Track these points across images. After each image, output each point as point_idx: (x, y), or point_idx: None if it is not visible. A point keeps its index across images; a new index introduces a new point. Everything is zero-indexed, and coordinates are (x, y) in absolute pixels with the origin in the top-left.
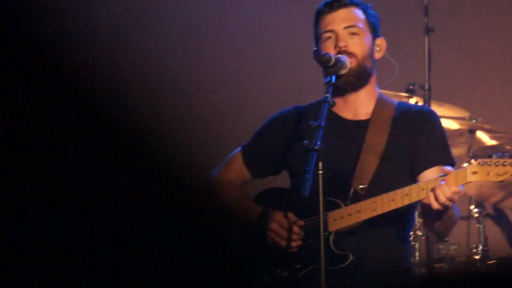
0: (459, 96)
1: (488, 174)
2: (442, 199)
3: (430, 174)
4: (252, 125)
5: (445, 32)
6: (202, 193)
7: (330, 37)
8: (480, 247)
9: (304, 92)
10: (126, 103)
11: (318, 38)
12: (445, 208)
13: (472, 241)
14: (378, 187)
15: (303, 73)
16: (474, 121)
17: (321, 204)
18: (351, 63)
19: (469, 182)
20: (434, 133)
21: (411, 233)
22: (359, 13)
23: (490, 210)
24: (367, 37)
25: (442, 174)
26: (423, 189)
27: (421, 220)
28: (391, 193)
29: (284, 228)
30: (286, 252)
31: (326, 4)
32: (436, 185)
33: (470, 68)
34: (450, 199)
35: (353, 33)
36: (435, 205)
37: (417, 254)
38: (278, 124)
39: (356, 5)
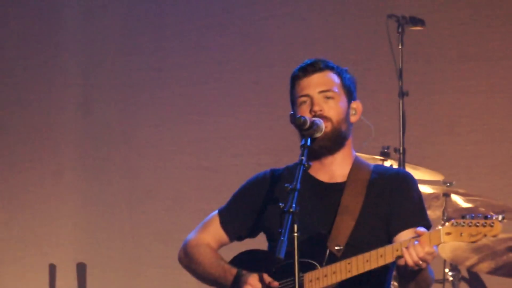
0: (433, 160)
1: (461, 235)
2: (415, 258)
3: (405, 236)
4: (230, 188)
5: (419, 96)
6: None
7: (305, 102)
8: None
9: (281, 153)
10: None
11: (293, 102)
12: (419, 269)
13: None
14: (353, 248)
15: (281, 134)
16: (448, 184)
17: (296, 266)
18: (326, 127)
19: (443, 242)
20: (410, 195)
21: None
22: (334, 77)
23: (464, 273)
24: (342, 101)
25: (416, 235)
26: (397, 250)
27: (396, 284)
28: (366, 254)
29: None
30: None
31: (301, 69)
32: (410, 244)
33: (444, 132)
34: (424, 259)
35: (328, 97)
36: (410, 264)
37: None
38: (255, 187)
39: (331, 69)
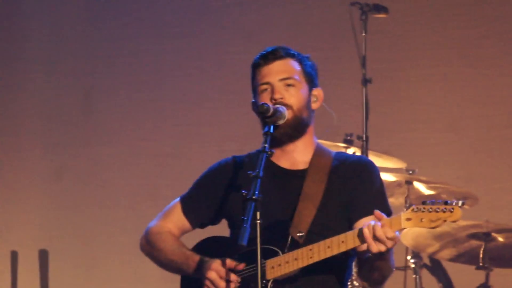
0: (396, 147)
1: (421, 220)
2: (377, 242)
3: (366, 222)
4: (192, 175)
5: (382, 83)
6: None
7: (266, 89)
8: None
9: (245, 140)
10: None
11: (255, 90)
12: (380, 256)
13: None
14: (315, 235)
15: (244, 121)
16: (410, 172)
17: (258, 253)
18: (287, 114)
19: (404, 228)
20: (371, 182)
21: (348, 283)
22: (295, 64)
23: (426, 260)
24: (303, 88)
25: (378, 220)
26: (358, 236)
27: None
28: (328, 240)
29: (222, 276)
30: None
31: (261, 57)
32: (371, 229)
33: (407, 119)
34: (385, 243)
35: (289, 85)
36: (372, 248)
37: None
38: (217, 174)
39: (292, 56)
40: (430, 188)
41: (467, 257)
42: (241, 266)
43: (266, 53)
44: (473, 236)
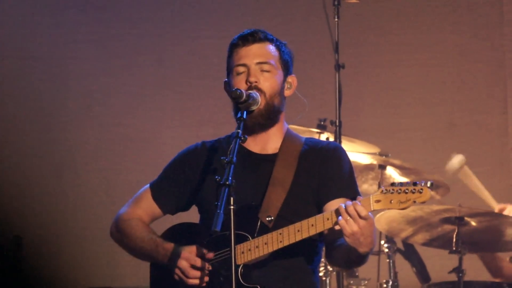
0: (369, 132)
1: (390, 202)
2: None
3: (334, 205)
4: (166, 160)
5: (355, 69)
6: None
7: (241, 71)
8: (390, 282)
9: (219, 125)
10: None
11: (230, 71)
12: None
13: (382, 276)
14: (285, 219)
15: (214, 106)
16: (384, 156)
17: (232, 239)
18: (260, 103)
19: (373, 210)
20: (340, 166)
21: (322, 268)
22: (272, 49)
23: (400, 245)
24: (279, 74)
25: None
26: (328, 219)
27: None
28: (297, 224)
29: (192, 263)
30: (195, 287)
31: (240, 38)
32: (342, 210)
33: (380, 104)
34: (356, 220)
35: (265, 70)
36: (345, 229)
37: None
38: (186, 160)
39: (271, 41)
40: (402, 174)
41: (440, 242)
42: (211, 255)
43: (246, 34)
44: (446, 220)
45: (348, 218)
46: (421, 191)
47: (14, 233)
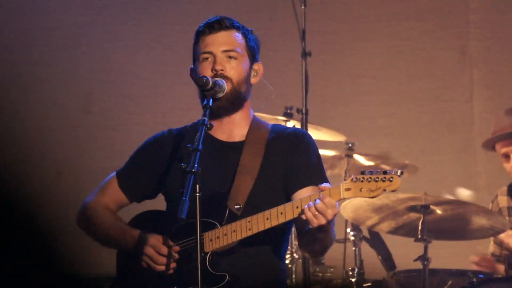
0: (335, 120)
1: (361, 190)
2: (315, 213)
3: (303, 194)
4: (132, 147)
5: (322, 57)
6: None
7: (207, 58)
8: (356, 270)
9: (186, 112)
10: None
11: (196, 58)
12: (321, 228)
13: (348, 264)
14: (253, 207)
15: (180, 93)
16: (350, 145)
17: (198, 226)
18: (226, 87)
19: (343, 198)
20: (308, 154)
21: (288, 255)
22: (239, 37)
23: (366, 233)
24: (245, 62)
25: (319, 190)
26: (297, 207)
27: (297, 243)
28: (266, 212)
29: (159, 251)
30: (162, 274)
31: (207, 25)
32: (311, 200)
33: (346, 92)
34: (324, 214)
35: (231, 57)
36: (311, 219)
37: (293, 276)
38: (153, 148)
39: (237, 28)
40: (369, 159)
41: (406, 230)
42: (176, 248)
43: (212, 22)
44: (412, 208)
45: (317, 213)
46: (391, 179)
47: None
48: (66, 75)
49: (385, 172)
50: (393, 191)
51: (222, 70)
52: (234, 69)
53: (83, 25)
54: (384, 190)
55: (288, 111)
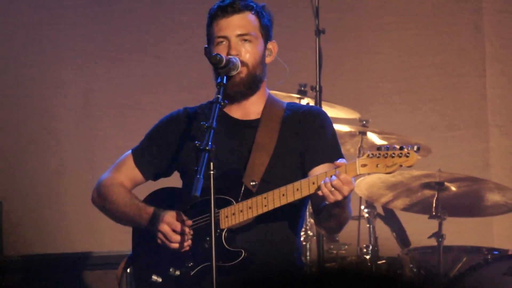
0: (349, 97)
1: (377, 166)
2: (331, 189)
3: (319, 171)
4: (146, 125)
5: (335, 34)
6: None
7: (222, 42)
8: (370, 247)
9: (199, 90)
10: None
11: (210, 40)
12: (337, 204)
13: (362, 241)
14: (269, 183)
15: (194, 72)
16: (364, 122)
17: (212, 203)
18: (241, 71)
19: (359, 174)
20: (324, 131)
21: (302, 233)
22: (252, 18)
23: (380, 210)
24: (260, 44)
25: (335, 167)
26: (313, 183)
27: (312, 221)
28: (282, 188)
29: (174, 228)
30: (178, 251)
31: (219, 8)
32: (327, 176)
33: (360, 70)
34: (340, 190)
35: (246, 40)
36: (327, 195)
37: (308, 254)
38: (168, 126)
39: (251, 9)
40: (383, 138)
41: (420, 207)
42: (189, 222)
43: (225, 5)
44: (426, 185)
45: (333, 189)
46: (408, 155)
47: None
48: (79, 54)
49: (401, 148)
50: (410, 166)
51: (237, 55)
52: (249, 53)
53: (95, 3)
54: (401, 165)
55: (302, 88)
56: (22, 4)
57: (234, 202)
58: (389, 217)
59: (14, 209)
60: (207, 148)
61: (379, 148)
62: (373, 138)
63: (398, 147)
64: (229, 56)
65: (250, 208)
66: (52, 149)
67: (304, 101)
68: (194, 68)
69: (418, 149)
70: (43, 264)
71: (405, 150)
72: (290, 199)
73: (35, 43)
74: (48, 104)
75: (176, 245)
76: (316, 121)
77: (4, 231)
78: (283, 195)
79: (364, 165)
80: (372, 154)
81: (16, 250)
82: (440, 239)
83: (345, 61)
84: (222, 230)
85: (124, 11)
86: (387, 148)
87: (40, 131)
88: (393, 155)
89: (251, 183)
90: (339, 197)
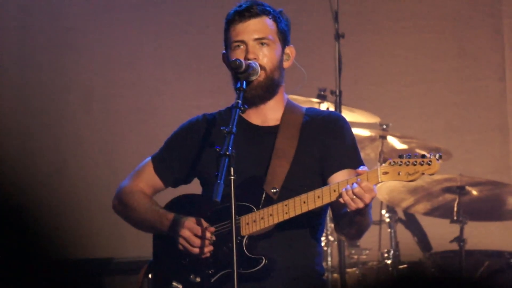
0: (369, 102)
1: (399, 174)
2: (353, 197)
3: (339, 177)
4: (166, 131)
5: (355, 38)
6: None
7: (240, 46)
8: (392, 252)
9: (219, 96)
10: None
11: (228, 45)
12: (358, 212)
13: (383, 245)
14: (289, 190)
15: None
16: (384, 126)
17: (232, 209)
18: (260, 75)
19: (381, 182)
20: (343, 137)
21: (323, 238)
22: (270, 23)
23: (401, 215)
24: (277, 48)
25: (356, 174)
26: (335, 191)
27: (332, 226)
28: (303, 196)
29: (196, 233)
30: (198, 257)
31: (236, 13)
32: (348, 184)
33: (379, 73)
34: (362, 198)
35: (263, 43)
36: (349, 203)
37: (329, 259)
38: (188, 132)
39: (268, 14)
40: (403, 142)
41: (441, 211)
42: (212, 229)
43: (242, 9)
44: (447, 190)
45: (354, 197)
46: (429, 163)
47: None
48: (99, 60)
49: (423, 156)
50: (431, 174)
51: (255, 58)
52: (266, 57)
53: (114, 9)
54: (423, 173)
55: (322, 93)
56: (44, 8)
57: (255, 209)
58: (410, 222)
59: (38, 215)
60: (227, 153)
61: (400, 155)
62: (394, 142)
63: (420, 154)
64: (249, 61)
65: (271, 215)
66: (73, 153)
67: (323, 106)
68: (215, 73)
69: (440, 157)
70: (64, 269)
71: (427, 158)
72: (311, 206)
73: (55, 46)
74: (71, 110)
75: (197, 250)
76: (335, 127)
77: (26, 235)
78: (304, 202)
79: (385, 173)
80: (394, 161)
81: (38, 255)
82: (461, 243)
83: (364, 65)
84: (243, 237)
85: (144, 18)
86: (409, 156)
87: (61, 137)
88: (415, 163)
89: (272, 190)
90: (360, 204)
